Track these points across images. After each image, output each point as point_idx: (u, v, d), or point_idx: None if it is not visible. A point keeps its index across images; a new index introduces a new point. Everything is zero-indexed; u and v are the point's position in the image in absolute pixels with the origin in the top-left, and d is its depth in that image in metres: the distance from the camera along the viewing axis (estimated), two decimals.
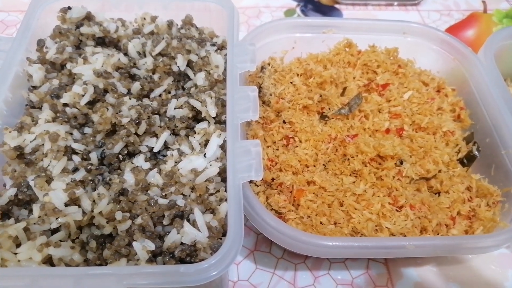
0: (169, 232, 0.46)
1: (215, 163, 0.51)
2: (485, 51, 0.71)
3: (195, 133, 0.55)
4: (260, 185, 0.57)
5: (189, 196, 0.50)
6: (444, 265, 0.66)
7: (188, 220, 0.47)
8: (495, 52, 0.73)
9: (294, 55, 0.75)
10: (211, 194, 0.51)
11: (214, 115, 0.56)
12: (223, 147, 0.53)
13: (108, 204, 0.47)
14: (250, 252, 0.63)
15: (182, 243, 0.46)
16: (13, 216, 0.50)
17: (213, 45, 0.65)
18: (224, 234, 0.46)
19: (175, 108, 0.58)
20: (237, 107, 0.54)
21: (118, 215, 0.46)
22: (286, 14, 0.98)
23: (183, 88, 0.64)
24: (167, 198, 0.49)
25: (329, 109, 0.67)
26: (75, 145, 0.53)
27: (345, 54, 0.73)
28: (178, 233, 0.46)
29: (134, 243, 0.45)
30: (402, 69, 0.72)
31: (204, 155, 0.52)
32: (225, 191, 0.50)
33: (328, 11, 1.01)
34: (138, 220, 0.47)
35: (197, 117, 0.59)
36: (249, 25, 0.96)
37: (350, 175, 0.60)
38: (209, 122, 0.57)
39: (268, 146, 0.63)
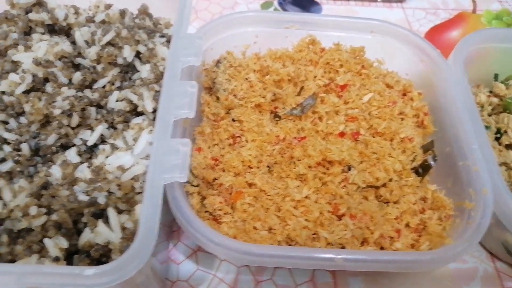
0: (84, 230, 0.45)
1: (143, 161, 0.50)
2: (455, 55, 0.68)
3: (129, 127, 0.54)
4: (197, 185, 0.56)
5: (114, 193, 0.49)
6: (395, 277, 0.64)
7: (104, 218, 0.46)
8: (468, 56, 0.70)
9: (256, 50, 0.72)
10: (138, 193, 0.49)
11: (150, 110, 0.54)
12: (151, 144, 0.51)
13: (26, 197, 0.46)
14: (193, 252, 0.62)
15: (97, 243, 0.45)
16: None
17: (162, 36, 0.63)
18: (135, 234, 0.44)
19: (117, 101, 0.57)
20: (174, 103, 0.53)
21: (33, 210, 0.45)
22: (263, 7, 0.96)
23: (131, 80, 0.62)
24: (89, 195, 0.48)
25: (283, 108, 0.65)
26: (7, 135, 0.52)
27: (308, 51, 0.70)
28: (92, 232, 0.44)
29: (45, 240, 0.44)
30: (365, 70, 0.69)
31: (133, 152, 0.50)
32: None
33: (307, 5, 0.98)
34: (54, 216, 0.46)
35: (137, 111, 0.57)
36: (187, 17, 0.93)
37: (296, 179, 0.58)
38: (146, 117, 0.55)
39: (215, 145, 0.61)
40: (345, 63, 0.69)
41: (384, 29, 0.72)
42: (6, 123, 0.55)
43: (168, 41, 0.63)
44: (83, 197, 0.47)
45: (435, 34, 0.96)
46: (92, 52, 0.59)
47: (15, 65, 0.60)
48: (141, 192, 0.49)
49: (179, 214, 0.48)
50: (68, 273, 0.39)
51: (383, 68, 0.73)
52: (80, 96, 0.55)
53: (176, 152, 0.49)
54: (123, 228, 0.45)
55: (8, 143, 0.53)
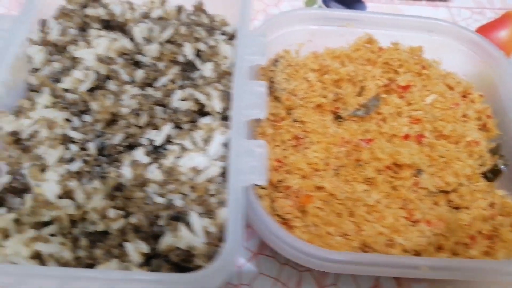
0: (164, 234, 0.44)
1: (217, 162, 0.48)
2: None
3: (197, 127, 0.52)
4: (265, 188, 0.54)
5: (188, 195, 0.48)
6: (460, 284, 0.62)
7: (186, 223, 0.44)
8: None
9: (310, 49, 0.70)
10: (212, 195, 0.48)
11: (219, 110, 0.53)
12: (227, 145, 0.50)
13: (102, 199, 0.45)
14: (254, 255, 0.61)
15: (177, 247, 0.43)
16: (7, 204, 0.48)
17: (223, 34, 0.62)
18: (221, 240, 0.43)
19: (179, 100, 0.56)
20: (244, 103, 0.51)
21: (111, 213, 0.44)
22: (307, 4, 0.94)
23: (190, 79, 0.60)
24: (164, 197, 0.46)
25: (345, 109, 0.63)
26: (73, 134, 0.51)
27: (365, 50, 0.69)
28: (173, 237, 0.43)
29: (126, 244, 0.42)
30: (426, 70, 0.68)
31: (206, 153, 0.49)
32: (226, 193, 0.47)
33: (351, 3, 0.96)
34: (133, 219, 0.44)
35: (203, 110, 0.55)
36: (267, 13, 0.91)
37: (363, 182, 0.57)
38: (213, 118, 0.54)
39: (276, 146, 0.60)
40: (405, 63, 0.67)
41: (442, 28, 0.70)
42: (68, 121, 0.53)
43: (230, 38, 0.61)
44: (160, 200, 0.46)
45: (482, 34, 0.94)
46: (153, 49, 0.58)
47: (74, 61, 0.58)
48: (215, 195, 0.48)
49: (257, 218, 0.47)
50: (160, 280, 0.38)
51: (442, 69, 0.71)
52: (146, 95, 0.53)
53: (252, 154, 0.47)
54: (207, 233, 0.43)
55: (74, 142, 0.51)
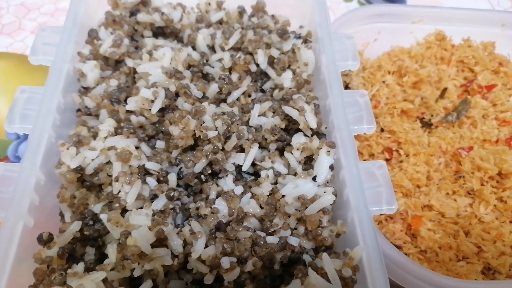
0: (284, 282, 0.36)
1: (328, 188, 0.40)
2: None
3: (288, 146, 0.44)
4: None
5: (295, 229, 0.40)
6: None
7: (310, 265, 0.36)
8: None
9: (376, 48, 0.63)
10: (323, 227, 0.40)
11: (314, 126, 0.45)
12: (332, 168, 0.42)
13: (206, 245, 0.36)
14: None
15: None
16: (76, 254, 0.39)
17: (298, 37, 0.53)
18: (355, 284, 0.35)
19: (259, 116, 0.47)
20: (350, 117, 0.43)
21: (225, 262, 0.35)
22: (346, 0, 0.86)
23: (262, 90, 0.52)
24: (273, 234, 0.38)
25: (431, 115, 0.56)
26: (149, 165, 0.42)
27: (437, 48, 0.62)
28: (302, 285, 0.35)
29: None
30: (504, 68, 0.61)
31: (313, 179, 0.41)
32: (344, 225, 0.39)
33: None
34: (248, 266, 0.36)
35: (287, 127, 0.47)
36: (328, 14, 0.83)
37: (465, 195, 0.50)
38: (305, 135, 0.45)
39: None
40: (480, 61, 0.61)
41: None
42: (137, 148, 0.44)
43: (304, 42, 0.52)
44: (272, 239, 0.37)
45: None
46: (226, 59, 0.49)
47: (132, 76, 0.49)
48: (327, 227, 0.40)
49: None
50: None
51: None
52: (233, 114, 0.44)
53: (372, 177, 0.39)
54: (341, 278, 0.35)
55: (151, 174, 0.42)
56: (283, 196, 0.40)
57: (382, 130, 0.54)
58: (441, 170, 0.51)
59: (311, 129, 0.46)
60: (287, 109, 0.45)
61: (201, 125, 0.42)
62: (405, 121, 0.55)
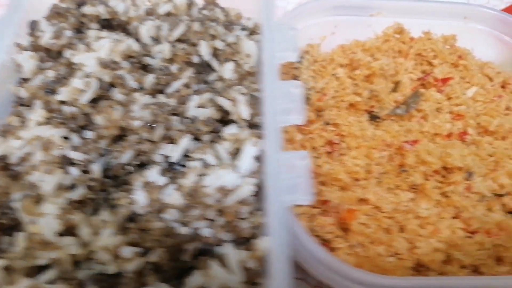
0: (189, 271, 0.35)
1: (250, 179, 0.39)
2: None
3: (221, 138, 0.43)
4: (302, 205, 0.45)
5: (216, 222, 0.38)
6: None
7: (217, 257, 0.35)
8: None
9: (334, 42, 0.61)
10: (243, 219, 0.39)
11: (246, 117, 0.44)
12: (258, 159, 0.41)
13: (113, 234, 0.36)
14: None
15: None
16: None
17: (244, 29, 0.52)
18: (262, 277, 0.34)
19: (197, 107, 0.46)
20: (278, 107, 0.42)
21: (126, 252, 0.34)
22: None
23: (206, 82, 0.51)
24: (187, 226, 0.37)
25: (380, 108, 0.54)
26: (74, 154, 0.41)
27: (395, 41, 0.60)
28: (203, 276, 0.34)
29: None
30: (463, 61, 0.59)
31: (236, 169, 0.40)
32: (263, 216, 0.38)
33: None
34: (152, 257, 0.35)
35: (224, 118, 0.46)
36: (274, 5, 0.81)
37: (408, 190, 0.48)
38: (239, 126, 0.44)
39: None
40: (439, 54, 0.58)
41: (479, 14, 0.61)
42: (66, 139, 0.44)
43: (251, 34, 0.51)
44: (183, 229, 0.36)
45: None
46: (165, 50, 0.48)
47: (72, 68, 0.48)
48: (247, 219, 0.39)
49: (298, 243, 0.38)
50: None
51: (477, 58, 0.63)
52: (163, 104, 0.44)
53: (292, 168, 0.38)
54: (245, 269, 0.34)
55: (75, 164, 0.42)
56: (205, 186, 0.39)
57: (327, 123, 0.52)
58: (383, 163, 0.49)
59: (245, 120, 0.45)
60: (220, 100, 0.44)
61: (126, 114, 0.42)
62: (352, 115, 0.53)
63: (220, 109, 0.45)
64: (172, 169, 0.44)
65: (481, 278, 0.41)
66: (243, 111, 0.43)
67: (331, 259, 0.37)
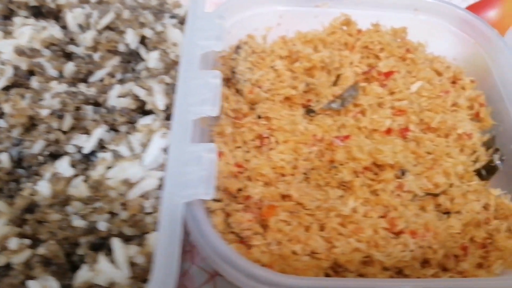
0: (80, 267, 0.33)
1: (155, 173, 0.38)
2: None
3: (135, 129, 0.42)
4: (220, 200, 0.43)
5: (118, 215, 0.37)
6: None
7: (106, 252, 0.34)
8: None
9: (280, 33, 0.59)
10: (148, 214, 0.37)
11: (162, 108, 0.42)
12: (166, 151, 0.39)
13: (5, 225, 0.34)
14: (211, 277, 0.50)
15: (96, 284, 0.33)
16: None
17: (173, 17, 0.50)
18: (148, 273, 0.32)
19: (119, 97, 0.45)
20: (192, 98, 0.40)
21: (13, 243, 0.33)
22: None
23: (135, 72, 0.49)
24: (85, 219, 0.36)
25: (318, 102, 0.52)
26: None
27: (342, 33, 0.57)
28: (90, 270, 0.32)
29: (29, 283, 0.32)
30: (410, 54, 0.57)
31: (142, 161, 0.38)
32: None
33: None
34: (41, 250, 0.33)
35: (145, 109, 0.45)
36: None
37: (338, 187, 0.46)
38: (156, 117, 0.43)
39: (237, 148, 0.49)
40: (387, 47, 0.56)
41: (430, 6, 0.59)
42: None
43: (181, 22, 0.50)
44: (79, 222, 0.35)
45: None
46: (87, 38, 0.47)
47: None
48: (152, 213, 0.37)
49: (203, 241, 0.36)
50: None
51: (429, 52, 0.60)
52: (74, 92, 0.42)
53: (199, 161, 0.36)
54: (132, 264, 0.32)
55: None
56: (109, 179, 0.38)
57: (259, 117, 0.50)
58: (312, 159, 0.47)
59: (163, 111, 0.43)
60: (136, 89, 0.43)
61: (35, 102, 0.40)
62: (286, 108, 0.51)
63: (137, 98, 0.43)
64: (89, 161, 0.42)
65: (392, 281, 0.39)
66: (159, 101, 0.42)
67: (230, 253, 0.35)
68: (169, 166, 0.35)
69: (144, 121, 0.42)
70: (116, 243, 0.33)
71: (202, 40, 0.44)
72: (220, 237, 0.37)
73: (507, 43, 0.56)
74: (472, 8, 0.83)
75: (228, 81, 0.55)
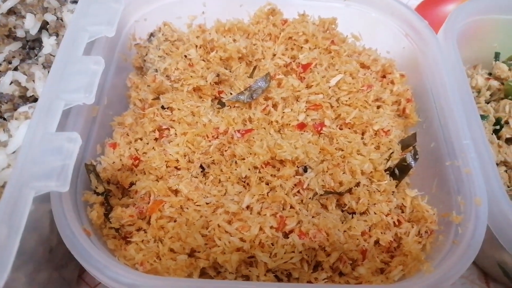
0: None
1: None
2: (446, 29, 0.52)
3: (13, 117, 0.39)
4: (103, 193, 0.41)
5: None
6: None
7: None
8: (463, 30, 0.54)
9: (206, 22, 0.56)
10: None
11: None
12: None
13: None
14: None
15: None
16: None
17: (75, 2, 0.47)
18: None
19: (11, 84, 0.42)
20: (68, 84, 0.38)
21: None
22: None
23: (36, 58, 0.47)
24: None
25: (231, 94, 0.49)
26: None
27: (267, 23, 0.54)
28: None
29: None
30: (335, 46, 0.53)
31: (7, 150, 0.36)
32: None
33: None
34: None
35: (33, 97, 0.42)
36: None
37: (238, 183, 0.43)
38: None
39: (138, 139, 0.46)
40: (311, 38, 0.53)
41: (380, 3, 0.55)
42: None
43: None
44: None
45: (428, 8, 0.79)
46: None
47: None
48: None
49: (63, 233, 0.34)
50: None
51: (359, 44, 0.57)
52: None
53: (59, 151, 0.34)
54: None
55: None
56: None
57: (163, 107, 0.47)
58: (211, 153, 0.44)
59: None
60: (16, 75, 0.40)
61: None
62: (195, 99, 0.48)
63: (20, 85, 0.41)
64: None
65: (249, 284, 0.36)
66: (40, 87, 0.39)
67: (89, 252, 0.33)
68: (22, 155, 0.33)
69: (22, 109, 0.39)
70: None
71: (92, 25, 0.41)
72: (80, 229, 0.34)
73: (437, 39, 0.52)
74: (431, 1, 0.80)
75: (141, 70, 0.52)
